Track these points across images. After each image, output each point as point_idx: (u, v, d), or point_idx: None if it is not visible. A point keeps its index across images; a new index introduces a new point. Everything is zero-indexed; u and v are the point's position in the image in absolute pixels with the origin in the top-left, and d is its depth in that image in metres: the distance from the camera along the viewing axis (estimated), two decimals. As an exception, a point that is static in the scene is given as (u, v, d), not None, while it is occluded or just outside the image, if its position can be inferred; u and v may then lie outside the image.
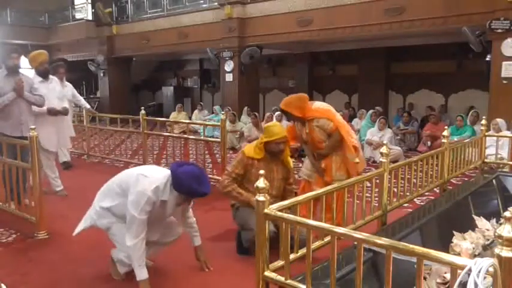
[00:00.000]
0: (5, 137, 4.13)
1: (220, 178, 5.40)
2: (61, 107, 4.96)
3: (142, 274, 2.59)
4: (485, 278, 1.33)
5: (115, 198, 2.74)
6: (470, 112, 8.19)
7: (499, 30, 6.90)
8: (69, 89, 6.41)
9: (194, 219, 3.01)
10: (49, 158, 5.07)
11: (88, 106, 7.29)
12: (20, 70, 4.44)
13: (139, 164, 6.66)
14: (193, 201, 2.86)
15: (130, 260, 2.63)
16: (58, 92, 5.07)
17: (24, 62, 5.05)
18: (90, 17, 15.31)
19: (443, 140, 3.80)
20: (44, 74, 4.90)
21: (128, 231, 2.59)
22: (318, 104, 3.83)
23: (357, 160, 3.60)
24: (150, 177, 2.61)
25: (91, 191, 5.16)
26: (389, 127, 8.28)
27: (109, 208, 2.76)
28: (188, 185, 2.51)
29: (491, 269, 1.34)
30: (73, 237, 3.69)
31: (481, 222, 2.81)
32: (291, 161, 3.51)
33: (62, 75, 6.08)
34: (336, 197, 2.67)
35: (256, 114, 9.04)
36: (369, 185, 2.98)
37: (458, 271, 1.40)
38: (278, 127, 3.35)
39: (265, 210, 1.98)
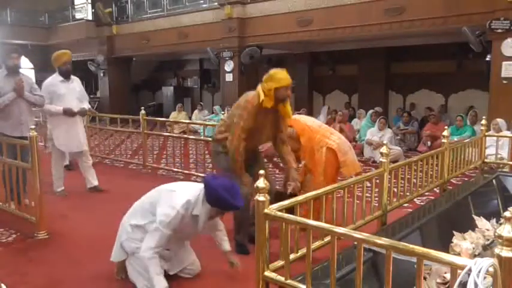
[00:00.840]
0: (5, 137, 4.13)
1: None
2: (79, 107, 4.92)
3: (161, 284, 2.50)
4: (485, 278, 1.33)
5: (146, 216, 2.66)
6: (469, 112, 8.20)
7: (499, 30, 6.91)
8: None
9: (223, 225, 2.94)
10: (60, 158, 5.08)
11: (89, 106, 7.25)
12: (20, 70, 4.44)
13: (140, 164, 6.70)
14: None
15: (146, 272, 2.55)
16: (78, 92, 5.00)
17: (24, 61, 5.06)
18: (90, 17, 15.32)
19: (443, 140, 3.80)
20: (65, 74, 4.85)
21: (148, 239, 2.53)
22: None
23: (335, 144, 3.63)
24: (181, 192, 2.57)
25: (91, 191, 5.19)
26: (389, 127, 8.28)
27: (139, 226, 2.68)
28: (222, 198, 2.46)
29: (491, 269, 1.34)
30: (73, 237, 3.72)
31: (481, 222, 2.81)
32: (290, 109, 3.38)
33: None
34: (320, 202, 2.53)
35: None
36: (369, 185, 2.98)
37: (458, 271, 1.40)
38: (284, 73, 3.23)
39: (265, 210, 1.98)
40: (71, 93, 4.89)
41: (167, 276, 2.67)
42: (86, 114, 5.34)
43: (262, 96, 3.16)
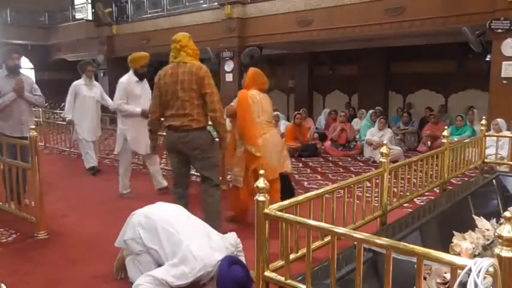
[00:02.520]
0: (5, 137, 4.13)
1: (220, 178, 5.43)
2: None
3: None
4: (485, 278, 1.33)
5: (152, 242, 2.62)
6: (468, 111, 8.20)
7: (499, 30, 6.90)
8: (98, 89, 6.40)
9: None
10: (129, 159, 5.09)
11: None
12: (20, 70, 4.44)
13: (140, 164, 6.69)
14: None
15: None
16: (149, 93, 4.90)
17: (24, 61, 5.06)
18: (90, 17, 15.32)
19: (443, 140, 3.80)
20: (141, 76, 4.85)
21: (161, 271, 2.47)
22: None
23: (257, 153, 3.71)
24: (198, 261, 2.45)
25: (91, 191, 5.19)
26: (389, 127, 8.29)
27: (143, 240, 2.66)
28: None
29: (491, 269, 1.34)
30: (73, 237, 3.72)
31: (481, 222, 2.81)
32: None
33: (90, 73, 6.19)
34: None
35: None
36: (369, 185, 2.97)
37: (458, 271, 1.40)
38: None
39: (265, 210, 1.98)
40: (145, 94, 4.89)
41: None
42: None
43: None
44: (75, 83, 6.21)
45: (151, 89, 4.13)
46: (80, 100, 6.14)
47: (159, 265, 2.61)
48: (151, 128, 3.63)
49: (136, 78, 4.82)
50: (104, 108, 6.58)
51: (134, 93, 4.80)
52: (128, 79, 4.83)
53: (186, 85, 3.32)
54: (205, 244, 2.57)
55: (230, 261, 2.51)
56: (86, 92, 6.17)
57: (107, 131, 8.07)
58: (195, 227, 2.72)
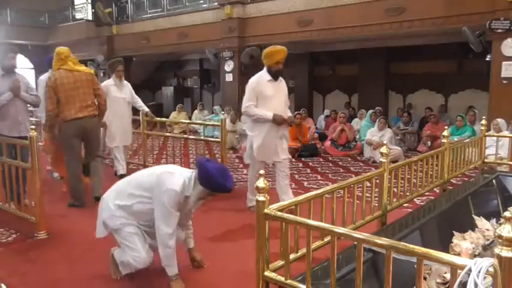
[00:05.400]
0: (5, 137, 4.13)
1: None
2: (286, 113, 4.27)
3: (175, 269, 2.69)
4: (485, 278, 1.33)
5: (132, 198, 2.72)
6: (468, 112, 8.20)
7: (499, 30, 6.91)
8: (128, 89, 5.90)
9: (191, 224, 3.03)
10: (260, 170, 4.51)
11: (147, 109, 6.29)
12: (16, 70, 4.41)
13: (140, 164, 6.69)
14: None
15: (167, 258, 2.67)
16: (285, 94, 4.38)
17: (23, 61, 5.06)
18: (90, 17, 15.33)
19: (443, 140, 3.80)
20: (276, 74, 4.19)
21: (162, 226, 2.61)
22: None
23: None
24: (176, 173, 2.65)
25: (90, 191, 5.18)
26: (389, 127, 8.29)
27: (123, 206, 2.73)
28: (216, 180, 2.56)
29: (491, 269, 1.34)
30: (73, 237, 3.72)
31: (481, 222, 2.81)
32: None
33: (120, 73, 5.68)
34: None
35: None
36: (368, 185, 2.97)
37: (458, 271, 1.40)
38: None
39: (265, 210, 1.98)
40: (280, 95, 4.26)
41: (160, 270, 2.67)
42: (294, 122, 4.79)
43: None
44: (105, 83, 5.64)
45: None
46: (110, 102, 5.42)
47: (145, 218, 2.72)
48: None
49: (269, 77, 4.18)
50: (134, 110, 6.15)
51: (264, 94, 4.15)
52: (258, 78, 4.23)
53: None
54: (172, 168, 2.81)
55: (206, 159, 2.71)
56: (116, 93, 5.67)
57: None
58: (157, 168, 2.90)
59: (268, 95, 4.14)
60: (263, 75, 4.21)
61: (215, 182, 2.57)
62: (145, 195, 2.68)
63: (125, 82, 5.86)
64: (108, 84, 5.69)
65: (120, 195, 2.78)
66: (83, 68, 4.52)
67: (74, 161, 4.46)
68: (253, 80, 4.24)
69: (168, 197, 2.57)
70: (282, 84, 4.30)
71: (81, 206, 4.45)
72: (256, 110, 4.15)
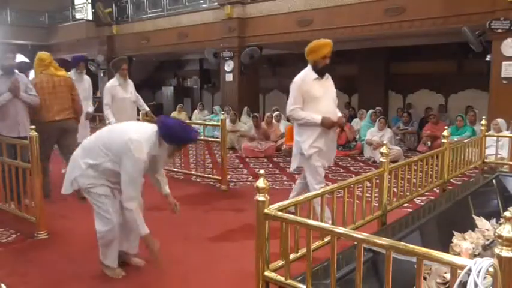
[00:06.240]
0: (5, 137, 4.13)
1: (220, 178, 5.45)
2: (337, 115, 3.88)
3: (145, 228, 2.71)
4: (485, 278, 1.33)
5: (101, 157, 2.76)
6: (468, 112, 8.20)
7: (499, 30, 6.91)
8: (132, 87, 5.74)
9: (164, 172, 3.16)
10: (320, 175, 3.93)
11: (148, 109, 6.28)
12: (15, 70, 4.42)
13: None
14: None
15: (133, 220, 2.73)
16: (334, 93, 3.96)
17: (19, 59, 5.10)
18: (90, 17, 15.33)
19: (443, 140, 3.80)
20: (321, 71, 3.76)
21: (129, 187, 2.68)
22: None
23: None
24: (141, 140, 2.67)
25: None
26: (389, 127, 8.29)
27: (93, 165, 2.77)
28: (180, 135, 2.70)
29: (491, 269, 1.34)
30: (73, 237, 3.72)
31: (481, 222, 2.81)
32: None
33: (124, 71, 5.51)
34: None
35: (257, 115, 9.07)
36: (368, 185, 2.97)
37: (458, 271, 1.40)
38: None
39: (265, 210, 1.98)
40: (328, 95, 3.82)
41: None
42: (344, 124, 4.60)
43: None
44: (109, 84, 5.53)
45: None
46: (118, 104, 5.45)
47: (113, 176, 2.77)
48: None
49: (314, 75, 3.73)
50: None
51: (312, 94, 3.71)
52: (302, 77, 3.77)
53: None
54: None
55: (163, 118, 2.83)
56: (122, 94, 5.52)
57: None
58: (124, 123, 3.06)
59: (315, 95, 3.71)
60: (308, 73, 3.76)
61: (179, 137, 2.70)
62: (112, 157, 2.73)
63: (129, 80, 5.71)
64: (113, 85, 5.53)
65: (89, 153, 2.81)
66: (62, 73, 4.85)
67: (44, 159, 4.57)
68: (297, 80, 3.77)
69: (133, 166, 2.64)
70: (329, 81, 3.86)
71: (46, 197, 4.33)
72: (302, 113, 3.72)
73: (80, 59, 6.02)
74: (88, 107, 6.16)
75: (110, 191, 2.82)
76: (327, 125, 3.70)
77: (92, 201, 2.85)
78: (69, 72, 5.57)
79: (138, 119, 6.19)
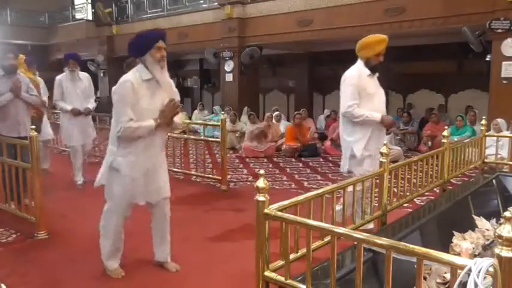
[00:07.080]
0: (5, 137, 4.13)
1: (220, 178, 5.45)
2: (386, 115, 3.74)
3: (149, 123, 2.73)
4: (485, 278, 1.33)
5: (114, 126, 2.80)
6: (468, 112, 8.20)
7: (499, 30, 6.91)
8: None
9: None
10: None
11: None
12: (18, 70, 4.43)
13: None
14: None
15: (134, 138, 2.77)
16: (383, 91, 3.81)
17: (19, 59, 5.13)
18: (90, 17, 15.34)
19: (443, 140, 3.80)
20: (374, 68, 3.63)
21: (118, 116, 2.71)
22: None
23: None
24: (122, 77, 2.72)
25: (91, 191, 5.18)
26: (389, 127, 8.27)
27: (113, 140, 2.81)
28: (144, 36, 2.73)
29: (491, 269, 1.34)
30: (73, 237, 3.72)
31: (481, 222, 2.81)
32: None
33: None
34: None
35: (253, 113, 9.13)
36: (369, 185, 2.97)
37: (458, 271, 1.40)
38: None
39: (265, 210, 1.98)
40: (380, 92, 3.70)
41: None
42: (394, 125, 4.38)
43: None
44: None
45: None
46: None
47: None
48: None
49: (368, 72, 3.57)
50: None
51: (368, 91, 3.54)
52: (358, 72, 3.59)
53: None
54: None
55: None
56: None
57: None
58: None
59: (370, 92, 3.54)
60: (362, 69, 3.58)
61: (145, 37, 2.72)
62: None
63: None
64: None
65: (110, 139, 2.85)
66: (30, 76, 5.19)
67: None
68: (353, 75, 3.57)
69: (117, 102, 2.71)
70: (377, 79, 3.70)
71: None
72: (362, 110, 3.49)
73: (70, 57, 5.71)
74: (88, 104, 6.02)
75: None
76: (387, 123, 3.57)
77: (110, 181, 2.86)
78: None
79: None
